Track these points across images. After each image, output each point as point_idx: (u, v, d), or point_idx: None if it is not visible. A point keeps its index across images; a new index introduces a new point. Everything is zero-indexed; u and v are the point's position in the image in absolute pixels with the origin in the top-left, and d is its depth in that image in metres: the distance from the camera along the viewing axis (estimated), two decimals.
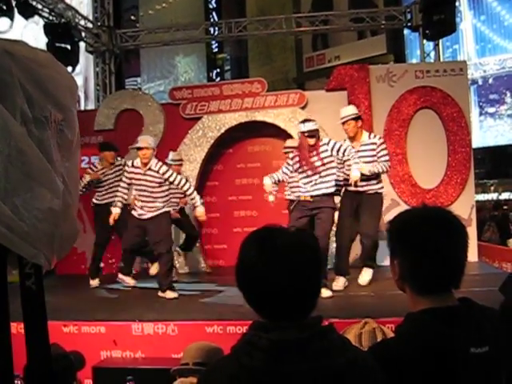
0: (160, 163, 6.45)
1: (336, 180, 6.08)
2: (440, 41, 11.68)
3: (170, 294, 6.26)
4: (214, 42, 22.53)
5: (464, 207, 8.03)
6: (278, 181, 6.24)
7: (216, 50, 24.55)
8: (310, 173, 5.93)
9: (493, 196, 21.71)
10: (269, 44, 21.19)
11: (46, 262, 1.31)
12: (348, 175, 6.11)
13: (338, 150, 5.89)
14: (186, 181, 6.66)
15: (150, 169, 6.34)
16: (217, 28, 13.21)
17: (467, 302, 1.53)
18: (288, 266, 1.31)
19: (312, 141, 5.89)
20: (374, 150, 6.31)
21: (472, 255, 7.44)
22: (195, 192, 6.55)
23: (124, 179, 6.55)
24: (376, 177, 6.30)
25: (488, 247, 8.97)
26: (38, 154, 1.26)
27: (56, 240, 1.33)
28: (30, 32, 13.74)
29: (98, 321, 5.12)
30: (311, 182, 5.92)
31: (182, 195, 7.34)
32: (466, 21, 21.71)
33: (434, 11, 10.25)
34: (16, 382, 1.82)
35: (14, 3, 8.84)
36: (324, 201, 5.87)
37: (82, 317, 5.27)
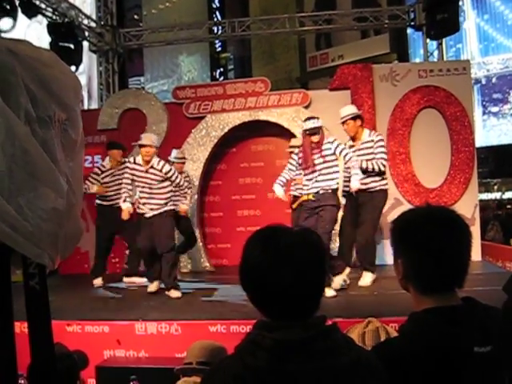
0: (162, 161, 6.45)
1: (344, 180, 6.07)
2: (443, 40, 11.63)
3: (173, 293, 6.27)
4: (217, 42, 22.49)
5: (467, 206, 8.02)
6: (287, 181, 6.25)
7: (219, 49, 24.53)
8: (311, 170, 5.93)
9: (496, 195, 21.68)
10: (272, 43, 21.16)
11: (50, 262, 1.31)
12: (349, 180, 6.11)
13: (340, 153, 5.89)
14: (189, 182, 6.65)
15: (152, 167, 6.35)
16: (220, 27, 13.19)
17: (471, 301, 1.52)
18: (292, 265, 1.31)
19: (315, 138, 5.87)
20: (371, 147, 6.30)
21: (475, 254, 7.44)
22: (191, 193, 6.54)
23: (126, 175, 6.52)
24: (378, 173, 6.29)
25: (491, 246, 8.95)
26: (41, 154, 1.26)
27: (60, 240, 1.34)
28: (34, 31, 13.76)
29: (101, 320, 5.13)
30: (312, 179, 5.92)
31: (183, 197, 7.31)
32: (470, 20, 21.64)
33: (438, 10, 10.22)
34: (20, 381, 1.82)
35: (17, 2, 8.85)
36: (326, 198, 5.85)
37: (85, 316, 5.28)
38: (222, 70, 24.87)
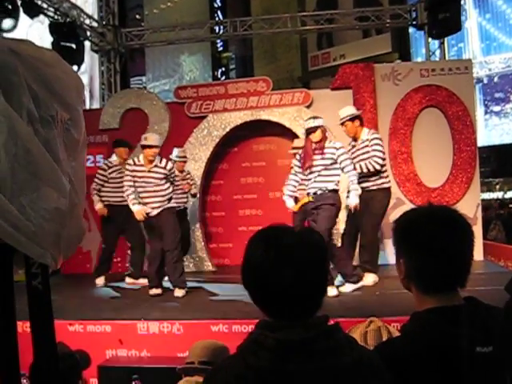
0: (164, 160, 6.51)
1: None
2: (445, 39, 11.65)
3: (176, 292, 6.29)
4: (219, 41, 22.53)
5: (469, 206, 8.01)
6: (295, 188, 6.25)
7: (221, 48, 24.53)
8: (310, 170, 5.91)
9: (498, 194, 21.69)
10: (274, 43, 21.15)
11: (53, 262, 1.31)
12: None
13: (341, 163, 5.83)
14: (191, 179, 6.68)
15: (155, 166, 6.37)
16: (222, 27, 13.21)
17: (473, 301, 1.52)
18: (294, 265, 1.32)
19: (314, 137, 5.83)
20: (367, 146, 6.29)
21: (478, 254, 7.42)
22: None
23: (128, 178, 6.45)
24: (375, 173, 6.27)
25: (494, 246, 8.93)
26: (44, 154, 1.26)
27: (62, 239, 1.34)
28: (36, 31, 13.74)
29: (103, 320, 5.13)
30: (311, 179, 5.91)
31: (185, 183, 7.49)
32: (471, 19, 21.64)
33: (439, 9, 10.23)
34: (22, 380, 1.82)
35: (19, 2, 8.86)
36: (324, 198, 5.80)
37: (87, 316, 5.29)
38: (223, 69, 24.87)
